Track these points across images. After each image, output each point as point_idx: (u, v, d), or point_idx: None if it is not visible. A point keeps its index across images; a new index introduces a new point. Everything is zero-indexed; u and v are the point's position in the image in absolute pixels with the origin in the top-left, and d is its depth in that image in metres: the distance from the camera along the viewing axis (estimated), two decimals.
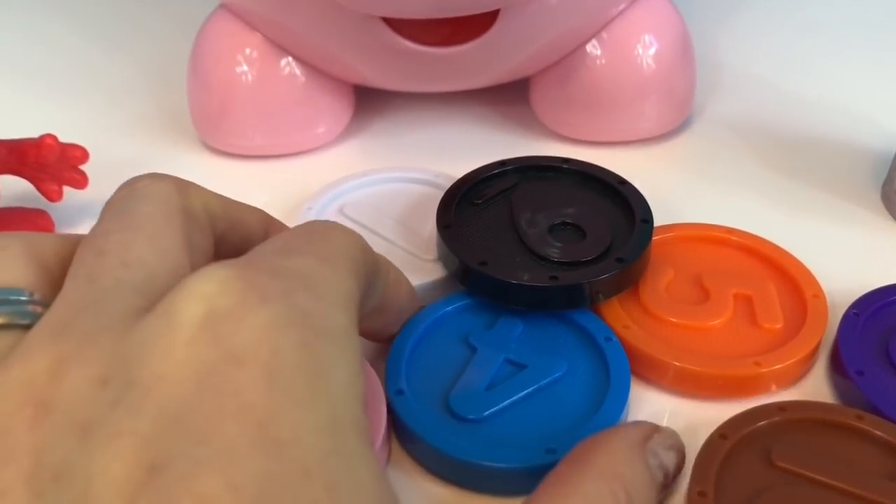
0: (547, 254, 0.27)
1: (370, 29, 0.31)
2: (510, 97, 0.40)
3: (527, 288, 0.26)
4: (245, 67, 0.36)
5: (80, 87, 0.43)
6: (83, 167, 0.32)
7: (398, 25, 0.31)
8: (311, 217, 0.32)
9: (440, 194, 0.30)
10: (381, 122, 0.40)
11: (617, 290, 0.27)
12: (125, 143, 0.39)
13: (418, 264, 0.29)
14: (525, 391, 0.24)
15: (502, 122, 0.40)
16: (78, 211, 0.34)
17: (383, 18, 0.31)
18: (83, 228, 0.23)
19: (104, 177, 0.33)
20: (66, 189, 0.33)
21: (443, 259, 0.29)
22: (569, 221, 0.29)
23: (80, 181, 0.32)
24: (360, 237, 0.20)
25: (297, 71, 0.36)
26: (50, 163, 0.31)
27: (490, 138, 0.39)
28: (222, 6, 0.36)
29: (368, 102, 0.39)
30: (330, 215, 0.32)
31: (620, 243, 0.28)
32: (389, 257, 0.23)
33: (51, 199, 0.32)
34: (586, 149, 0.37)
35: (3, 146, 0.31)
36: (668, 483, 0.21)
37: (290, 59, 0.36)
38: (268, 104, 0.36)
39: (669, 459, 0.21)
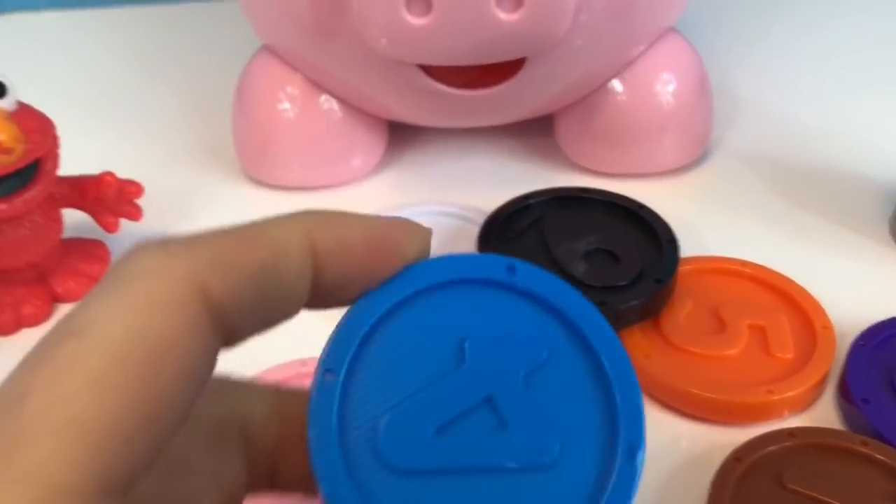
0: (588, 280, 0.29)
1: (404, 73, 0.34)
2: (535, 130, 0.42)
3: None
4: (287, 105, 0.38)
5: (128, 119, 0.46)
6: (138, 201, 0.35)
7: (431, 70, 0.33)
8: None
9: (471, 227, 0.32)
10: (412, 154, 0.42)
11: (656, 311, 0.29)
12: (172, 174, 0.41)
13: None
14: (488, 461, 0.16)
15: (527, 154, 0.42)
16: (131, 239, 0.36)
17: (418, 64, 0.33)
18: None
19: (153, 206, 0.36)
20: (122, 221, 0.35)
21: None
22: (601, 248, 0.31)
23: (136, 214, 0.35)
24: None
25: (335, 107, 0.38)
26: (108, 198, 0.34)
27: (516, 169, 0.41)
28: (265, 48, 0.39)
29: (401, 136, 0.42)
30: None
31: (651, 265, 0.30)
32: None
33: (109, 231, 0.35)
34: (608, 181, 0.39)
35: (66, 182, 0.33)
36: None
37: (327, 96, 0.38)
38: (307, 138, 0.39)
39: None
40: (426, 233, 0.17)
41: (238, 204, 0.40)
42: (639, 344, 0.29)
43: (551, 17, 0.30)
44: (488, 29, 0.30)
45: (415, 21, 0.30)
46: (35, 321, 0.33)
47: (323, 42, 0.35)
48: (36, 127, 0.31)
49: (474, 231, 0.32)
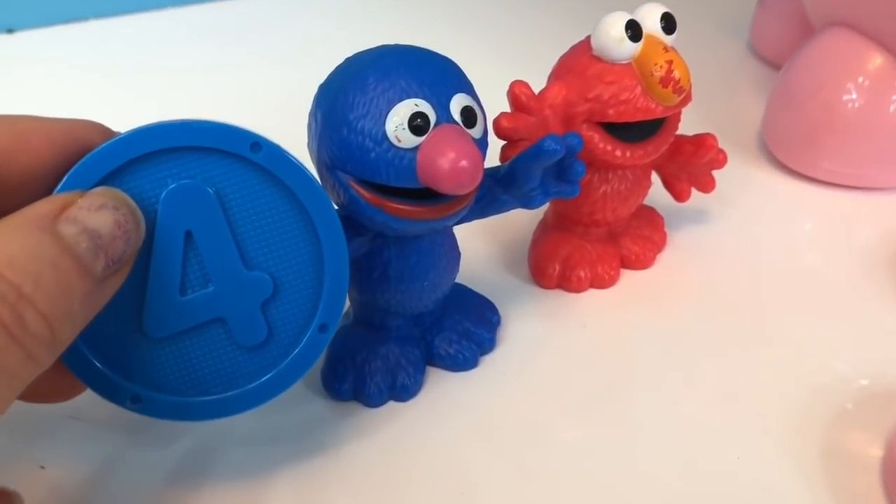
0: None
1: None
2: None
3: None
4: (854, 94, 0.34)
5: None
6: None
7: None
8: None
9: None
10: None
11: None
12: None
13: None
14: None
15: None
16: (678, 211, 0.33)
17: None
18: None
19: None
20: None
21: None
22: None
23: (710, 185, 0.32)
24: None
25: None
26: (699, 162, 0.30)
27: None
28: (832, 25, 0.35)
29: None
30: None
31: None
32: None
33: (680, 199, 0.32)
34: None
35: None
36: (114, 246, 0.18)
37: None
38: (871, 132, 0.34)
39: (101, 220, 0.18)
40: (110, 131, 0.20)
41: (766, 192, 0.36)
42: None
43: None
44: None
45: None
46: (607, 282, 0.30)
47: None
48: None
49: None
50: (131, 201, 0.19)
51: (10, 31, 0.51)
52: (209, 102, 0.43)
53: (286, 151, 0.20)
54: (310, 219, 0.21)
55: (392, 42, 0.24)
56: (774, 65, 0.45)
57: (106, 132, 0.20)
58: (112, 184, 0.19)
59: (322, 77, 0.23)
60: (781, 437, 0.24)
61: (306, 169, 0.20)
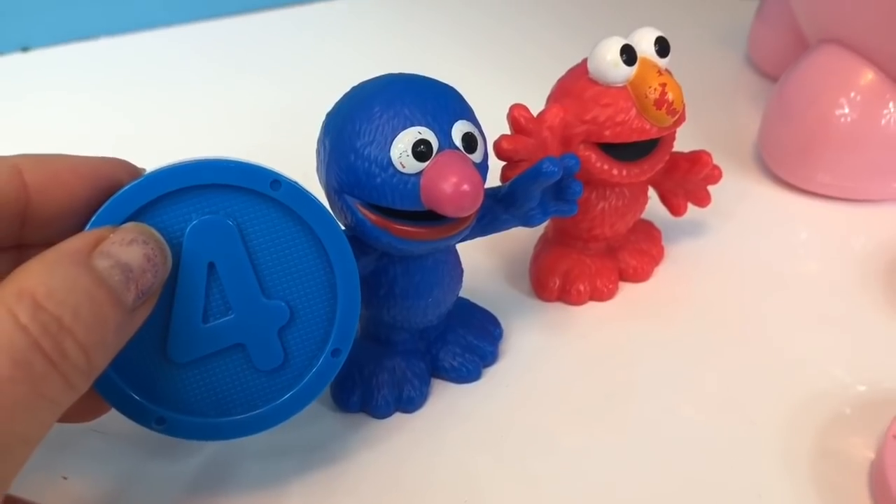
0: None
1: None
2: None
3: None
4: (846, 109, 0.35)
5: None
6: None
7: None
8: None
9: None
10: None
11: None
12: None
13: None
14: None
15: None
16: (673, 225, 0.34)
17: None
18: None
19: None
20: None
21: None
22: None
23: (706, 200, 0.33)
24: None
25: None
26: (694, 178, 0.31)
27: None
28: (826, 42, 0.36)
29: None
30: None
31: None
32: None
33: (676, 214, 0.33)
34: None
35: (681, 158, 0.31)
36: (144, 279, 0.19)
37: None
38: (861, 146, 0.35)
39: (132, 254, 0.19)
40: (135, 169, 0.21)
41: (762, 205, 0.37)
42: None
43: None
44: None
45: None
46: (605, 296, 0.31)
47: None
48: None
49: None
50: (159, 236, 0.20)
51: (25, 48, 0.52)
52: (221, 118, 0.44)
53: (303, 188, 0.21)
54: (324, 250, 0.22)
55: (396, 64, 0.25)
56: (772, 77, 0.45)
57: (132, 170, 0.21)
58: (140, 219, 0.20)
59: (338, 94, 0.24)
60: (776, 444, 0.25)
61: (321, 204, 0.22)
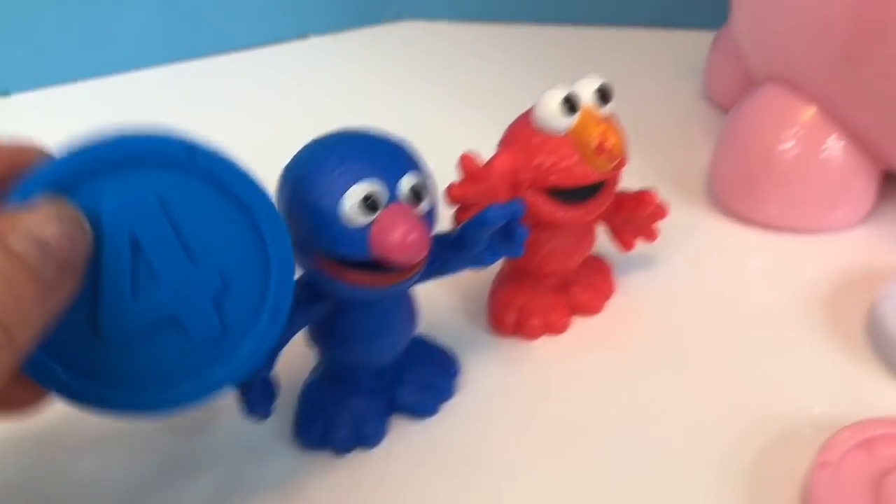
0: None
1: None
2: None
3: None
4: (790, 143, 0.37)
5: None
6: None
7: None
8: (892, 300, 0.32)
9: None
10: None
11: None
12: None
13: None
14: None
15: None
16: (625, 258, 0.36)
17: None
18: None
19: None
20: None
21: None
22: None
23: (653, 235, 0.34)
24: None
25: (838, 151, 0.36)
26: (640, 216, 0.33)
27: None
28: (771, 79, 0.38)
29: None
30: None
31: None
32: None
33: (625, 249, 0.34)
34: None
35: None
36: (62, 253, 0.19)
37: (836, 136, 0.36)
38: (803, 179, 0.37)
39: (48, 231, 0.19)
40: (49, 152, 0.21)
41: (711, 236, 0.39)
42: None
43: None
44: None
45: None
46: (559, 329, 0.33)
47: (849, 71, 0.34)
48: None
49: None
50: (74, 209, 0.20)
51: (5, 93, 0.54)
52: None
53: (222, 155, 0.22)
54: (252, 216, 0.22)
55: (361, 106, 0.26)
56: (727, 110, 0.47)
57: (45, 153, 0.22)
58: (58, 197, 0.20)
59: (301, 134, 0.26)
60: (717, 467, 0.27)
61: (244, 170, 0.22)
